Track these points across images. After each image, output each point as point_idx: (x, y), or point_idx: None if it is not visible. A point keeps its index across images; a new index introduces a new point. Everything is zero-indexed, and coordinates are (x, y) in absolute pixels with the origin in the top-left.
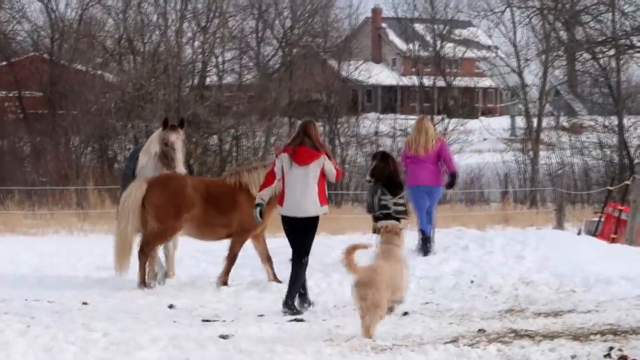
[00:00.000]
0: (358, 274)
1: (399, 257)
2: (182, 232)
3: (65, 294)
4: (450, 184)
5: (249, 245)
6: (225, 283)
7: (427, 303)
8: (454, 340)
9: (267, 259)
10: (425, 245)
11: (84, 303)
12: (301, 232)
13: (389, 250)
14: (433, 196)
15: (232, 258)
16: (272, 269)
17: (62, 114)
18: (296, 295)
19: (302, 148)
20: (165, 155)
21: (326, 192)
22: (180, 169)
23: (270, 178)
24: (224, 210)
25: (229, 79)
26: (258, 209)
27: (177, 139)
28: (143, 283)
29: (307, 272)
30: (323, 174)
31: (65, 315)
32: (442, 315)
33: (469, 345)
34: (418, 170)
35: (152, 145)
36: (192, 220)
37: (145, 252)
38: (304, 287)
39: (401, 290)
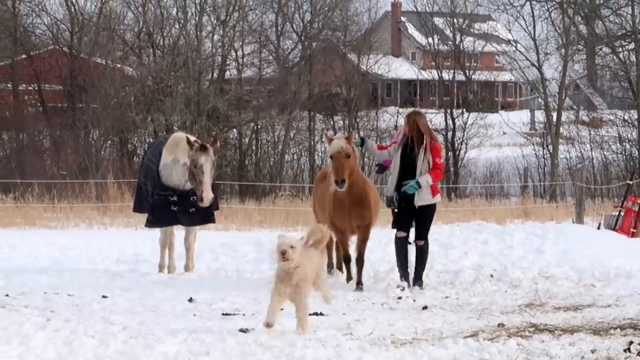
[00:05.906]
0: None
1: None
2: None
3: (84, 288)
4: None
5: (266, 240)
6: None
7: (446, 297)
8: (474, 335)
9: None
10: None
11: (104, 296)
12: None
13: None
14: None
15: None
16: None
17: (82, 107)
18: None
19: None
20: (194, 177)
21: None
22: (208, 193)
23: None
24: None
25: (248, 72)
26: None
27: (207, 161)
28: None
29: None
30: None
31: (85, 309)
32: (462, 309)
33: (488, 340)
34: None
35: (180, 153)
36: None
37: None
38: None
39: None
